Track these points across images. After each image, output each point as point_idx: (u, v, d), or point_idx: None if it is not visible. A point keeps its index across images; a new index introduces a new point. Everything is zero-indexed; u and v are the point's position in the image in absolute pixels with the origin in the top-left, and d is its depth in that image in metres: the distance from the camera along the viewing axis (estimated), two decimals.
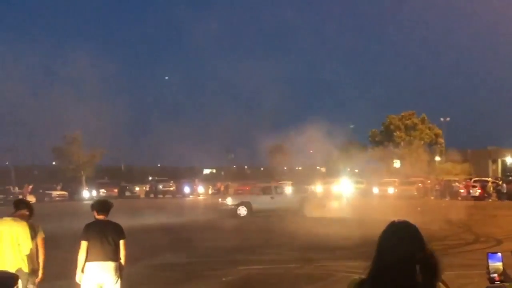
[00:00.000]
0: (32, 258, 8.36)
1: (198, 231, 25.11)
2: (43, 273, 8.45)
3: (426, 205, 40.08)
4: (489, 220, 28.89)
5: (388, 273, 3.02)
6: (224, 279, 13.86)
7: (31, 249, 8.20)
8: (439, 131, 73.88)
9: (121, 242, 8.27)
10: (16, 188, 58.82)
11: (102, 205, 8.55)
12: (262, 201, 34.91)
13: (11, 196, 49.65)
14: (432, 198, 51.93)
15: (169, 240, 21.60)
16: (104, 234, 8.16)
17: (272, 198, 35.48)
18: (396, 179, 58.71)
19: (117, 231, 8.30)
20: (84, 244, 8.14)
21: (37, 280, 8.42)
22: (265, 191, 36.73)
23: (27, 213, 8.45)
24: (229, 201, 35.72)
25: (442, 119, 77.29)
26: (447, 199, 49.84)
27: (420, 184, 56.86)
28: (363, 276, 3.14)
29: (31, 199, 55.89)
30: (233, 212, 33.83)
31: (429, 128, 73.18)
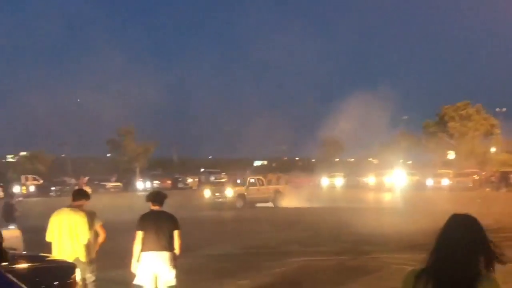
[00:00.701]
0: (90, 247, 8.55)
1: (249, 222, 25.20)
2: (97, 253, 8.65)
3: (482, 196, 39.26)
4: None
5: (449, 264, 3.03)
6: (277, 270, 13.90)
7: (88, 239, 8.39)
8: (495, 122, 72.09)
9: (175, 232, 8.35)
10: (72, 180, 60.16)
11: (156, 196, 8.67)
12: None
13: (67, 187, 50.89)
14: (488, 189, 50.83)
15: (222, 231, 21.78)
16: (159, 224, 8.27)
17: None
18: (450, 171, 57.67)
19: (171, 222, 8.40)
20: (139, 234, 8.27)
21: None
22: None
23: (85, 202, 8.63)
24: None
25: (498, 109, 75.47)
26: (503, 190, 48.72)
27: (475, 176, 55.73)
28: (421, 267, 3.14)
29: (87, 190, 57.21)
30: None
31: (485, 119, 71.47)
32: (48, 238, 8.48)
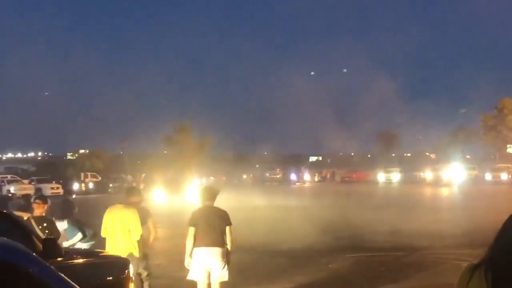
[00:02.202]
0: (143, 243, 8.68)
1: (302, 218, 25.12)
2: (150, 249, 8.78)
3: None
4: None
5: (507, 259, 2.95)
6: (330, 266, 13.83)
7: (141, 235, 8.52)
8: None
9: (227, 228, 8.40)
10: (130, 176, 61.23)
11: (208, 192, 8.73)
12: None
13: (125, 184, 51.79)
14: None
15: (277, 226, 21.77)
16: (211, 220, 8.33)
17: None
18: (510, 165, 56.26)
19: (223, 218, 8.45)
20: (191, 230, 8.35)
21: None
22: None
23: (138, 200, 8.77)
24: None
25: None
26: None
27: None
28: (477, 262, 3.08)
29: (143, 186, 58.12)
30: None
31: None
32: (103, 234, 8.67)
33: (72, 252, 7.35)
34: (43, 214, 9.22)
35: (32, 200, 10.70)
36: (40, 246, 5.90)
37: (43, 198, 9.60)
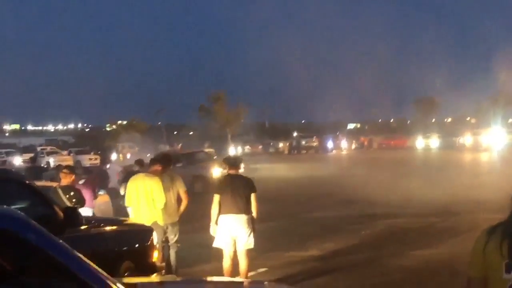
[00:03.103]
0: (169, 210, 8.69)
1: (339, 185, 25.00)
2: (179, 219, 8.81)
3: None
4: None
5: None
6: (362, 232, 13.73)
7: (165, 203, 8.52)
8: None
9: (252, 195, 8.36)
10: (167, 147, 61.64)
11: (233, 160, 8.70)
12: None
13: None
14: None
15: (309, 194, 21.73)
16: (236, 188, 8.29)
17: None
18: None
19: (248, 185, 8.41)
20: (216, 198, 8.33)
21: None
22: None
23: (160, 168, 8.76)
24: None
25: None
26: None
27: None
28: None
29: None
30: None
31: None
32: (127, 203, 8.72)
33: (96, 221, 7.40)
34: (71, 184, 9.28)
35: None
36: (62, 214, 5.92)
37: (70, 168, 9.68)
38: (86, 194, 11.12)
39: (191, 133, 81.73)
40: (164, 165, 8.90)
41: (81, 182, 11.56)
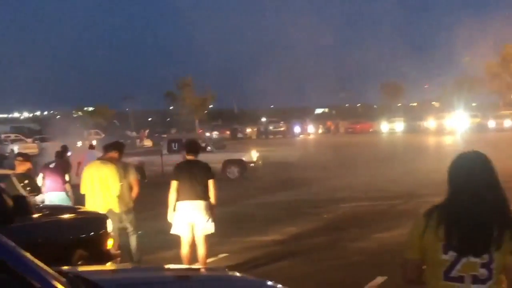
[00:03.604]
0: (124, 198, 8.61)
1: (303, 169, 25.09)
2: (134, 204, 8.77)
3: None
4: None
5: (458, 200, 3.02)
6: (325, 216, 13.84)
7: (121, 190, 8.43)
8: None
9: (210, 181, 8.31)
10: (134, 133, 61.22)
11: (191, 146, 8.63)
12: None
13: (129, 141, 51.68)
14: None
15: (273, 178, 21.79)
16: (193, 173, 8.23)
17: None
18: None
19: (205, 171, 8.36)
20: (174, 184, 8.26)
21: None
22: None
23: (116, 155, 8.66)
24: None
25: None
26: None
27: None
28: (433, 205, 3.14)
29: (148, 143, 58.19)
30: None
31: None
32: (82, 190, 8.61)
33: (47, 209, 7.30)
34: (26, 171, 9.13)
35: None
36: (11, 203, 5.81)
37: (25, 156, 9.51)
38: (57, 178, 11.01)
39: (150, 119, 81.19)
40: (120, 152, 8.79)
41: (51, 165, 11.42)
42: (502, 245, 2.91)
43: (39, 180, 11.54)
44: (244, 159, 23.61)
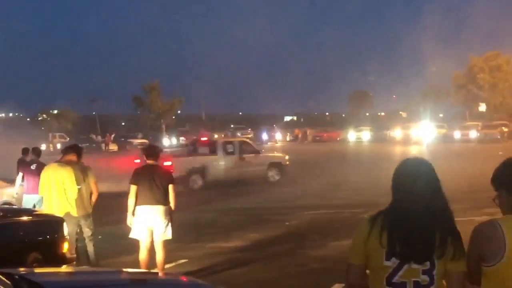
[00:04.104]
0: (83, 201, 8.51)
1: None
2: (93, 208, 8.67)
3: (508, 149, 38.56)
4: None
5: (402, 206, 3.03)
6: (287, 223, 13.87)
7: (79, 193, 8.34)
8: None
9: (170, 186, 8.28)
10: (99, 137, 60.67)
11: (151, 150, 8.59)
12: None
13: (94, 145, 51.27)
14: None
15: (237, 185, 21.79)
16: (153, 178, 8.19)
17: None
18: (479, 123, 56.74)
19: (165, 176, 8.33)
20: (133, 188, 8.22)
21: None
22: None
23: (75, 157, 8.56)
24: None
25: None
26: None
27: (504, 128, 54.69)
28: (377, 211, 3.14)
29: (113, 147, 57.75)
30: None
31: None
32: (40, 192, 8.49)
33: (3, 211, 7.19)
34: None
35: None
36: None
37: None
38: (37, 179, 10.84)
39: (123, 123, 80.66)
40: (78, 155, 8.69)
41: (33, 167, 11.29)
42: (444, 253, 2.95)
43: (18, 179, 11.44)
44: (281, 162, 24.42)
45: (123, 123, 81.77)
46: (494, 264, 2.87)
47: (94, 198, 8.86)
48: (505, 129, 54.57)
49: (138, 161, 20.45)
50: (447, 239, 2.96)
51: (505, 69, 69.19)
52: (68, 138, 60.91)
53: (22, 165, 12.09)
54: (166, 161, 20.07)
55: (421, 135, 54.30)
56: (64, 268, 6.45)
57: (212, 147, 23.23)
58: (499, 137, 51.25)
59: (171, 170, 8.60)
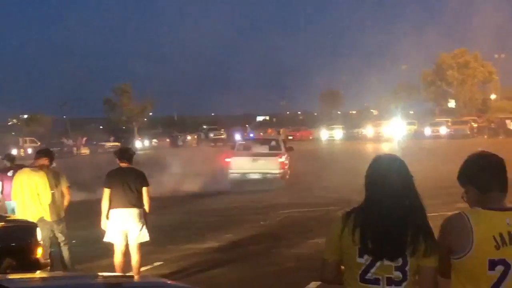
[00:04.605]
0: (56, 207, 8.43)
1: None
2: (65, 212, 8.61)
3: (477, 144, 39.09)
4: None
5: (374, 204, 3.05)
6: (262, 223, 13.89)
7: (52, 198, 8.26)
8: (493, 69, 71.31)
9: (144, 189, 8.23)
10: (70, 141, 60.05)
11: (124, 153, 8.53)
12: None
13: (65, 149, 50.75)
14: (485, 137, 50.63)
15: (211, 186, 21.76)
16: (126, 181, 8.14)
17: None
18: (448, 119, 57.50)
19: (139, 178, 8.27)
20: (106, 192, 8.15)
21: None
22: None
23: (47, 162, 8.47)
24: None
25: (496, 55, 74.55)
26: (500, 137, 48.46)
27: (473, 123, 55.50)
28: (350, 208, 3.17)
29: (85, 151, 57.30)
30: None
31: (483, 66, 70.72)
32: (13, 198, 8.40)
33: None
34: None
35: None
36: None
37: None
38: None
39: (93, 126, 79.90)
40: (51, 159, 8.60)
41: (9, 174, 11.12)
42: (416, 249, 2.98)
43: None
44: None
45: (101, 127, 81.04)
46: (462, 256, 2.90)
47: (66, 202, 8.79)
48: (475, 125, 55.39)
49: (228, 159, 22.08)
50: (419, 236, 2.99)
51: (473, 66, 70.20)
52: (39, 143, 60.19)
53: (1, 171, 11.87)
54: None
55: (392, 132, 54.81)
56: (38, 274, 6.38)
57: None
58: (468, 132, 52.00)
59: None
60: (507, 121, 52.11)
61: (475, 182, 3.03)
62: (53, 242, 8.54)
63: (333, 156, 36.18)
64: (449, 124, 55.38)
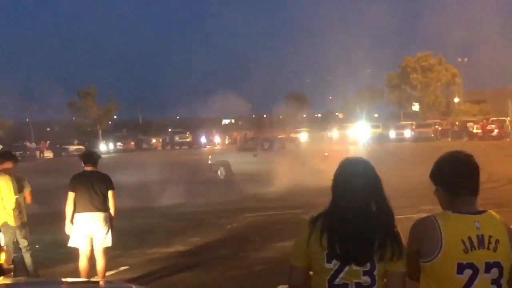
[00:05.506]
0: (20, 211, 8.28)
1: (208, 180, 25.07)
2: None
3: (441, 146, 39.64)
4: (505, 159, 28.46)
5: (340, 208, 3.03)
6: (229, 226, 13.84)
7: (16, 203, 8.11)
8: (456, 72, 72.42)
9: (110, 192, 8.15)
10: (33, 144, 59.16)
11: (89, 156, 8.42)
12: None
13: (28, 152, 49.95)
14: (449, 139, 51.41)
15: (178, 189, 21.63)
16: (91, 185, 8.05)
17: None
18: (413, 122, 58.21)
19: (104, 182, 8.18)
20: (71, 195, 8.05)
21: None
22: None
23: (10, 166, 8.31)
24: None
25: (459, 59, 75.80)
26: (464, 140, 49.30)
27: (437, 126, 56.31)
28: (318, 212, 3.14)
29: (48, 154, 56.53)
30: None
31: (446, 69, 71.78)
32: None
33: None
34: None
35: None
36: None
37: None
38: None
39: (56, 128, 78.90)
40: (14, 162, 8.43)
41: None
42: (384, 254, 2.97)
43: None
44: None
45: (70, 130, 80.00)
46: (431, 259, 2.91)
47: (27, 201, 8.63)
48: (439, 128, 56.18)
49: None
50: (387, 241, 2.98)
51: (437, 69, 71.19)
52: (1, 146, 59.17)
53: None
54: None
55: (357, 135, 55.23)
56: (1, 280, 6.24)
57: None
58: (432, 135, 52.75)
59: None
60: (470, 124, 53.04)
61: (446, 186, 3.03)
62: (16, 248, 8.38)
63: (297, 159, 36.21)
64: (414, 127, 56.06)
